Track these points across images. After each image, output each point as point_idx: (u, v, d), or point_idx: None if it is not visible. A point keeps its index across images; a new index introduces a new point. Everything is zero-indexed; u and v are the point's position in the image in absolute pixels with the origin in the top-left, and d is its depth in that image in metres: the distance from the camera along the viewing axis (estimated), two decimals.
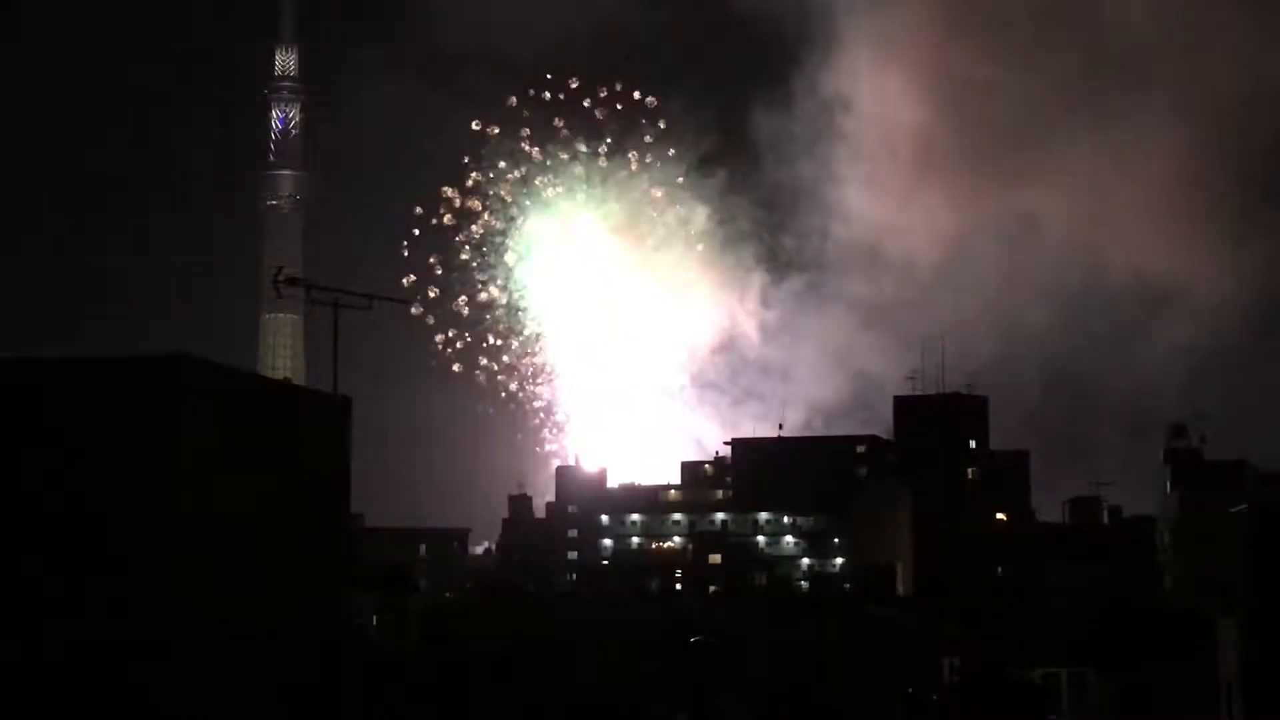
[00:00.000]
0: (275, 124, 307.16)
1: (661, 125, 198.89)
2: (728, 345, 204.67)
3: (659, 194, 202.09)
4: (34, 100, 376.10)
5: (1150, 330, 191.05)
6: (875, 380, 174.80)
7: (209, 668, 29.42)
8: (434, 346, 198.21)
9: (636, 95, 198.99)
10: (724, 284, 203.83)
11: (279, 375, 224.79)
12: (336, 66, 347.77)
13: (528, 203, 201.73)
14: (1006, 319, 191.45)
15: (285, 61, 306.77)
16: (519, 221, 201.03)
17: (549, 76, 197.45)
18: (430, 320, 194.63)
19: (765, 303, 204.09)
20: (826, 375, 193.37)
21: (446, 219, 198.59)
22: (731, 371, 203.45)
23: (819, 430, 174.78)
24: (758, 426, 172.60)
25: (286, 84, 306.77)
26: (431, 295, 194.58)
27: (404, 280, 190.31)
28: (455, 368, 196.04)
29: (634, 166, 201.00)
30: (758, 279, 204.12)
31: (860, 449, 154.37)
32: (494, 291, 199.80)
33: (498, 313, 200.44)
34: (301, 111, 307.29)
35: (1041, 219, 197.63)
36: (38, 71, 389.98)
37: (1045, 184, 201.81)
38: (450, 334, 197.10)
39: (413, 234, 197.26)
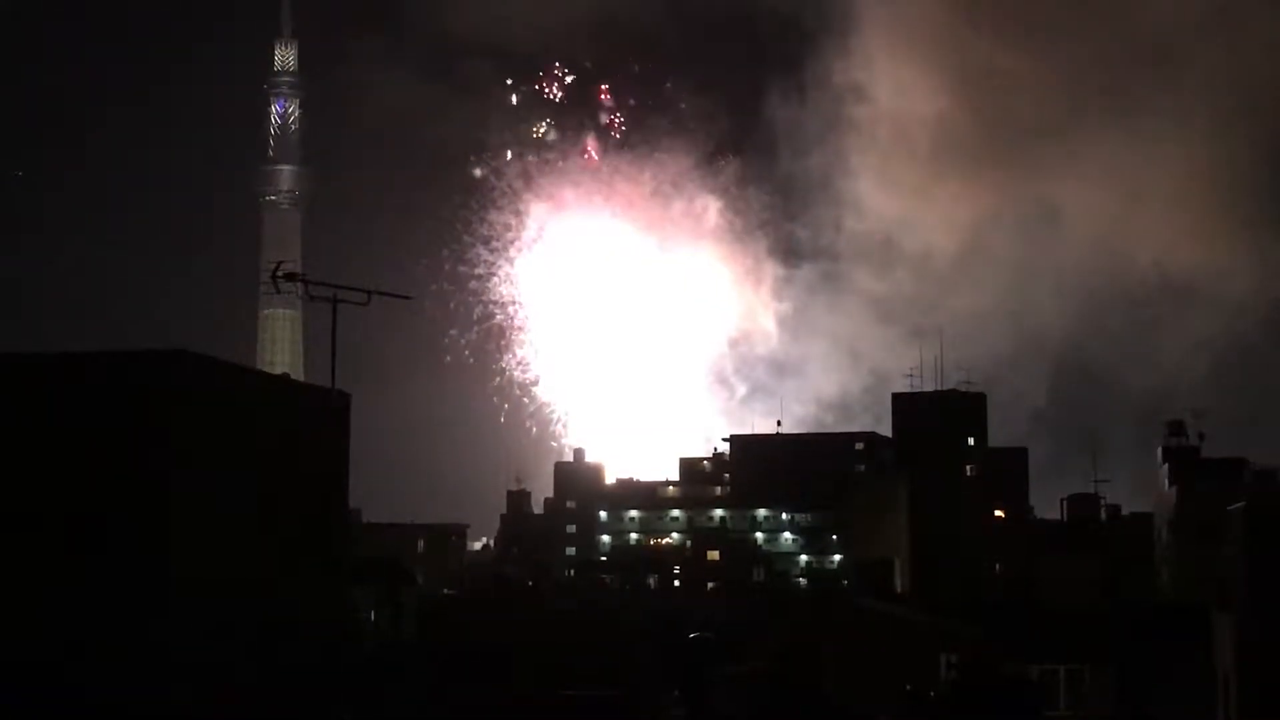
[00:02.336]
0: (274, 119, 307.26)
1: (668, 120, 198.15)
2: (738, 339, 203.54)
3: (670, 185, 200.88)
4: (32, 94, 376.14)
5: (1171, 326, 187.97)
6: (887, 375, 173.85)
7: (207, 661, 29.52)
8: (446, 340, 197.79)
9: (646, 85, 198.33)
10: (736, 277, 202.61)
11: (277, 371, 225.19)
12: (336, 61, 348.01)
13: (535, 195, 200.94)
14: (1024, 313, 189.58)
15: (285, 57, 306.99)
16: (526, 214, 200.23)
17: (557, 71, 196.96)
18: (430, 309, 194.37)
19: (778, 296, 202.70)
20: (839, 370, 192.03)
21: (451, 212, 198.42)
22: (742, 366, 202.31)
23: (830, 426, 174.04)
24: (764, 423, 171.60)
25: (286, 79, 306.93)
26: (440, 290, 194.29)
27: (419, 272, 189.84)
28: (469, 361, 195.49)
29: (644, 157, 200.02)
30: (770, 272, 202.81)
31: (859, 445, 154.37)
32: (501, 287, 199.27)
33: (507, 308, 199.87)
34: (301, 107, 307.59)
35: (1061, 212, 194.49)
36: (37, 65, 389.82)
37: (1066, 176, 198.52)
38: (459, 329, 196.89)
39: (418, 228, 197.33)
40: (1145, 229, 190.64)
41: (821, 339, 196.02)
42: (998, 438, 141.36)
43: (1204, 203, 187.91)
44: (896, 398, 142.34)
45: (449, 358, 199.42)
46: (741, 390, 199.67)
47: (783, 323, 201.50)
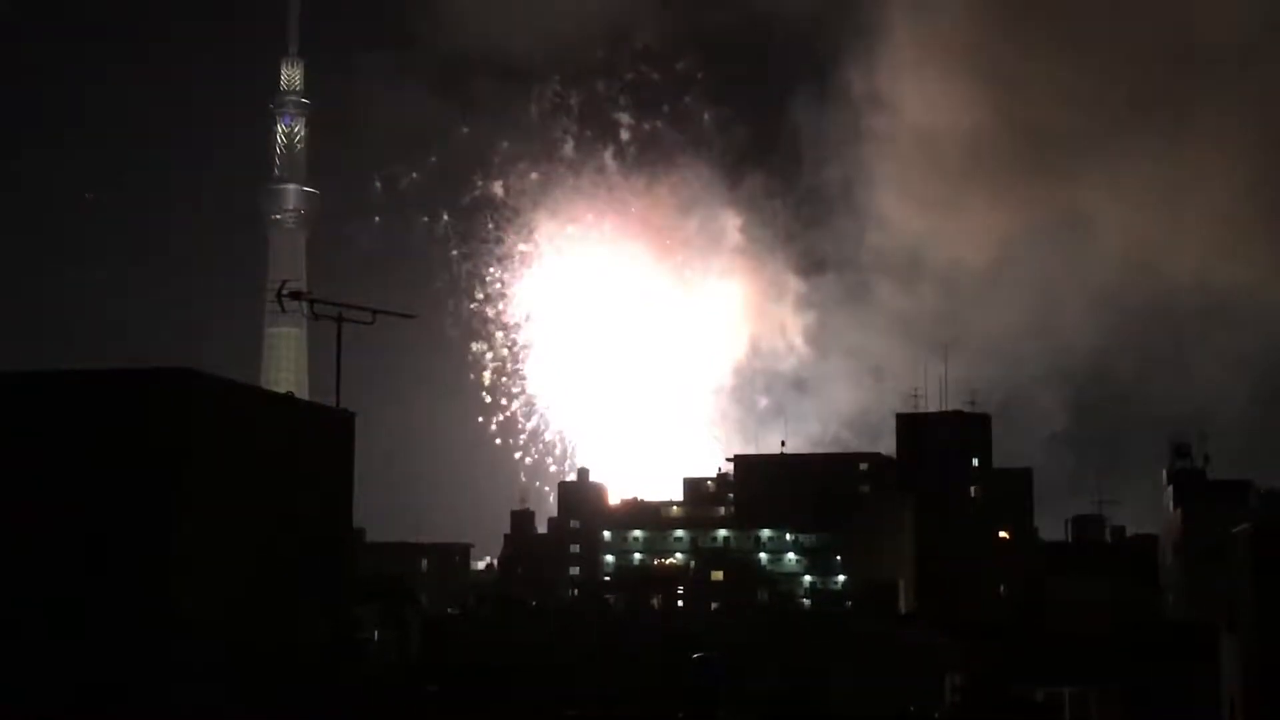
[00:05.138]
0: (280, 137, 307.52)
1: (687, 134, 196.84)
2: (759, 355, 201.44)
3: (689, 199, 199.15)
4: (40, 114, 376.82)
5: (1206, 344, 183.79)
6: (907, 393, 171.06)
7: (213, 680, 29.44)
8: (470, 358, 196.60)
9: (663, 98, 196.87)
10: (756, 291, 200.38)
11: (282, 389, 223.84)
12: (342, 79, 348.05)
13: (548, 212, 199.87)
14: (1053, 330, 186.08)
15: (291, 75, 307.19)
16: (538, 231, 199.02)
17: (558, 85, 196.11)
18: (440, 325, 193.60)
19: (800, 311, 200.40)
20: (861, 387, 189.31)
21: (463, 230, 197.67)
22: (762, 382, 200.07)
23: (851, 444, 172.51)
24: (776, 442, 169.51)
25: (291, 98, 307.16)
26: (464, 307, 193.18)
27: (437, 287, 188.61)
28: (489, 376, 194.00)
29: (662, 171, 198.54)
30: (792, 286, 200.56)
31: (863, 466, 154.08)
32: (512, 306, 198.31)
33: (519, 326, 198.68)
34: (306, 125, 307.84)
35: (1094, 225, 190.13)
36: (44, 86, 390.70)
37: (1099, 189, 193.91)
38: (473, 348, 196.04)
39: (426, 247, 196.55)
40: (1182, 244, 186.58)
41: (844, 355, 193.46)
42: (1022, 456, 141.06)
43: (1242, 217, 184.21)
44: (900, 418, 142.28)
45: (471, 375, 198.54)
46: (762, 405, 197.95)
47: (805, 338, 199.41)
